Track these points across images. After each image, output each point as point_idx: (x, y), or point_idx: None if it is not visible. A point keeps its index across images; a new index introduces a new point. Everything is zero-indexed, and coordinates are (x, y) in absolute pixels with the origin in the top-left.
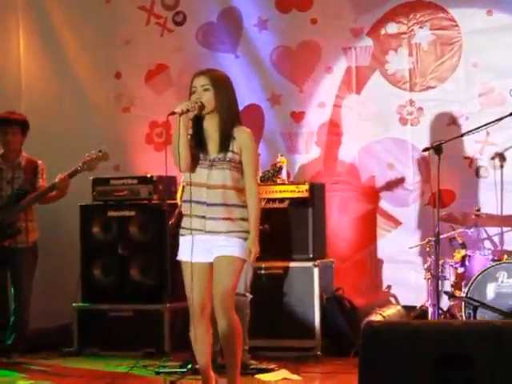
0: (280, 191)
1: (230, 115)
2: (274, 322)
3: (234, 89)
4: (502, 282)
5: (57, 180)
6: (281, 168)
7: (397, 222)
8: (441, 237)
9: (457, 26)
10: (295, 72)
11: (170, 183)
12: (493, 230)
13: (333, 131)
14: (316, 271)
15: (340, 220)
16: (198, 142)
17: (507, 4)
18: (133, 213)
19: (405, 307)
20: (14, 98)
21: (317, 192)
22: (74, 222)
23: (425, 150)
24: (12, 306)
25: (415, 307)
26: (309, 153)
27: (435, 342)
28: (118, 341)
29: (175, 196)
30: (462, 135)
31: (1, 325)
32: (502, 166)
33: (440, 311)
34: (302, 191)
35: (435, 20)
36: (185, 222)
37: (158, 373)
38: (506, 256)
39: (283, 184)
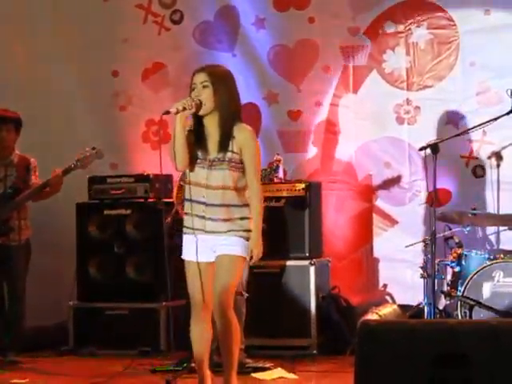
0: (277, 190)
1: (230, 113)
2: (270, 320)
3: (235, 85)
4: (498, 281)
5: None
6: (277, 167)
7: (393, 221)
8: (437, 236)
9: (454, 25)
10: (292, 71)
11: (166, 181)
12: (489, 229)
13: (330, 130)
14: (312, 270)
15: (336, 219)
16: (198, 140)
17: (505, 3)
18: (129, 211)
19: (401, 306)
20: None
21: (313, 191)
22: (71, 220)
23: (421, 148)
24: (6, 304)
25: (411, 306)
26: (305, 151)
27: (431, 341)
28: (114, 339)
29: (171, 194)
30: (459, 134)
31: None
32: (498, 166)
33: (436, 310)
34: (298, 190)
35: (433, 19)
36: (187, 221)
37: (153, 371)
38: (502, 255)
39: (280, 183)
